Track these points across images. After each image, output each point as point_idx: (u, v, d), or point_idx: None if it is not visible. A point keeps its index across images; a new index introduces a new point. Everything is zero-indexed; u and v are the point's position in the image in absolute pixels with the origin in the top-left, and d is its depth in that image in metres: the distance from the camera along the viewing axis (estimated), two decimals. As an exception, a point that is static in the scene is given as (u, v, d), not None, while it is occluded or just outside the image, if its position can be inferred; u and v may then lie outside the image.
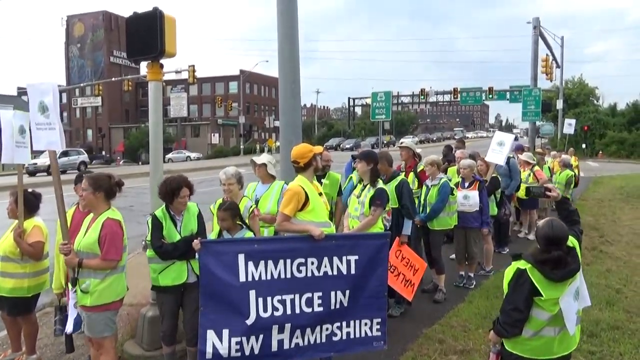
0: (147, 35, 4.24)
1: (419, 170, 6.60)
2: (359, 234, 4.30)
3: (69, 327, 3.63)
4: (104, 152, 63.73)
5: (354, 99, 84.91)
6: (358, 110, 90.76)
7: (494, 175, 7.05)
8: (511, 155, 8.34)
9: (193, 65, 32.02)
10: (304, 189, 3.92)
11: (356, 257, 3.79)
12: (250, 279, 3.54)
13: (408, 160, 6.61)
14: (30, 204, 4.10)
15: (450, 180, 6.33)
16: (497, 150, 6.98)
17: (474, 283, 6.49)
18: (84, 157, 35.67)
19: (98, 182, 3.52)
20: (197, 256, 3.65)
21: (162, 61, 4.51)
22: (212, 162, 39.33)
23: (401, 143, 7.13)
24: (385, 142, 60.55)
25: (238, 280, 3.52)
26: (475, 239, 6.49)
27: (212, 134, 63.18)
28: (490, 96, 42.51)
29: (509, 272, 2.93)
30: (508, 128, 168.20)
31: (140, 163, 50.43)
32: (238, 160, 38.76)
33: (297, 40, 7.57)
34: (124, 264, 3.65)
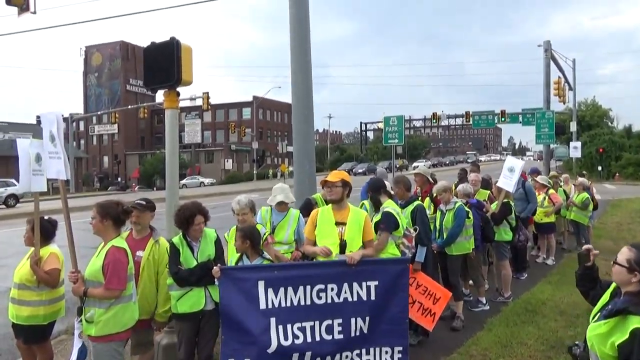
0: (164, 64, 4.32)
1: (434, 195, 6.53)
2: (379, 259, 4.25)
3: (73, 357, 3.59)
4: (119, 179, 64.51)
5: (365, 124, 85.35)
6: (370, 134, 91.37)
7: (505, 200, 6.88)
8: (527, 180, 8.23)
9: (207, 93, 32.61)
10: (317, 214, 4.07)
11: (376, 282, 3.78)
12: (270, 306, 3.54)
13: (423, 186, 6.56)
14: (46, 231, 4.11)
15: (465, 204, 6.25)
16: (508, 176, 6.85)
17: (482, 307, 6.40)
18: (13, 188, 28.34)
19: (106, 210, 3.50)
20: (216, 282, 3.64)
21: (177, 89, 4.58)
22: (225, 188, 39.56)
23: (414, 168, 7.12)
24: (397, 166, 60.70)
25: (258, 307, 3.53)
26: (470, 262, 6.34)
27: (226, 160, 63.81)
28: (503, 119, 42.27)
29: (609, 340, 2.24)
30: (521, 151, 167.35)
31: (155, 189, 50.96)
32: (251, 186, 38.92)
33: (310, 68, 7.68)
34: (131, 293, 3.58)
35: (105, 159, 73.72)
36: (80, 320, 3.44)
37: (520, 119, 42.60)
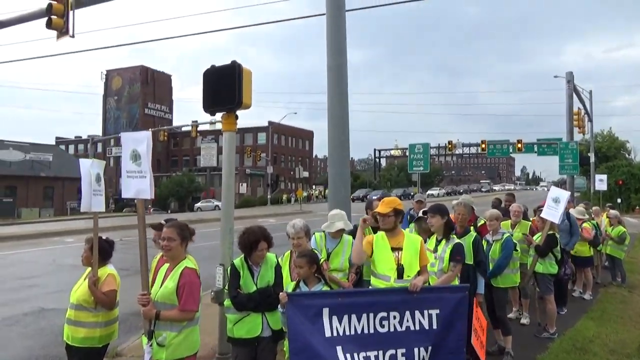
0: (225, 87, 4.34)
1: (479, 224, 6.42)
2: (439, 287, 4.16)
3: None
4: (135, 200, 64.99)
5: (379, 151, 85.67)
6: (382, 161, 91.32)
7: (550, 232, 6.70)
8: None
9: (227, 117, 32.91)
10: (373, 240, 4.04)
11: (437, 311, 3.70)
12: (335, 334, 3.48)
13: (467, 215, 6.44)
14: (104, 251, 4.07)
15: (512, 235, 6.11)
16: (553, 207, 6.67)
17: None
18: None
19: (185, 232, 3.51)
20: (280, 309, 3.57)
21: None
22: (242, 212, 39.51)
23: (429, 196, 7.01)
24: (412, 193, 60.33)
25: (324, 335, 3.46)
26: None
27: (240, 184, 64.03)
28: (519, 148, 42.00)
29: None
30: (535, 181, 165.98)
31: (169, 211, 51.09)
32: (267, 211, 38.88)
33: (346, 93, 7.70)
34: (199, 315, 3.54)
35: (121, 180, 74.46)
36: (151, 344, 3.35)
37: (535, 148, 42.44)
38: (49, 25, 11.81)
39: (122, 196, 3.69)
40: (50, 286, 9.91)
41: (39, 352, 6.04)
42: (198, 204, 53.75)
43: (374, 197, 8.32)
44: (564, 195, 6.75)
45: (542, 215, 6.76)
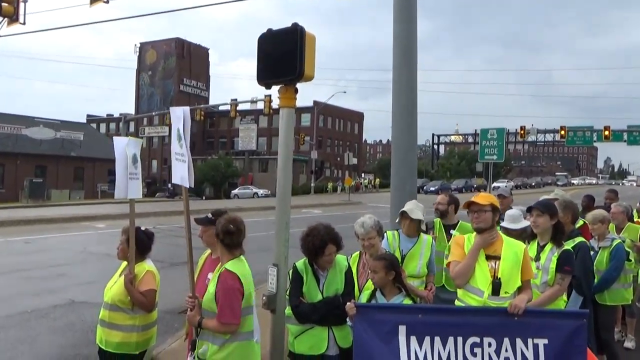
0: (284, 56, 4.05)
1: (577, 226, 5.89)
2: (549, 311, 3.74)
3: None
4: (169, 185, 66.80)
5: (438, 136, 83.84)
6: (440, 148, 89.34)
7: None
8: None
9: (270, 95, 32.86)
10: (464, 243, 3.68)
11: (545, 341, 3.27)
12: (413, 358, 3.16)
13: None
14: (142, 244, 3.90)
15: (624, 241, 5.56)
16: None
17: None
18: None
19: (228, 229, 3.27)
20: (349, 322, 3.31)
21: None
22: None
23: (494, 189, 6.48)
24: (475, 185, 58.66)
25: (399, 358, 3.15)
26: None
27: (281, 170, 64.38)
28: (606, 136, 39.87)
29: None
30: (621, 174, 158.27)
31: (204, 198, 52.00)
32: (312, 200, 38.88)
33: (415, 67, 7.29)
34: (251, 329, 3.30)
35: (154, 163, 76.53)
36: (194, 357, 3.18)
37: (625, 137, 40.21)
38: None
39: (172, 181, 3.50)
40: (81, 276, 10.13)
41: (69, 351, 6.07)
42: (235, 191, 54.52)
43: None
44: None
45: None
